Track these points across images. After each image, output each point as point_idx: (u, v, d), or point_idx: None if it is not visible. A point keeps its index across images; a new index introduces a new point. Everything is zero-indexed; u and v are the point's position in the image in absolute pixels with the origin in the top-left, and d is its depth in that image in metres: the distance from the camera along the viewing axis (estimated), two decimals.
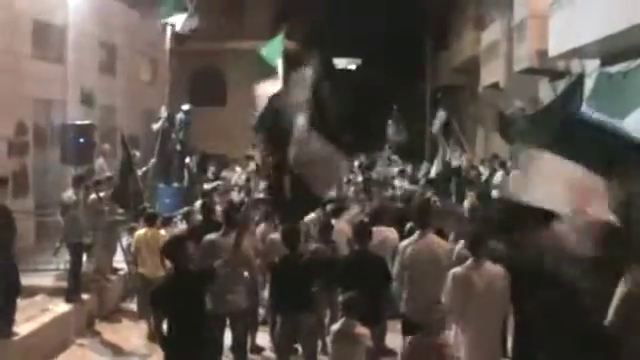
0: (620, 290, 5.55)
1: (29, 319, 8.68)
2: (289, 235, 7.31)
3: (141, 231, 9.63)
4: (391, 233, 8.71)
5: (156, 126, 15.26)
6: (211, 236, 7.47)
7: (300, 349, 7.43)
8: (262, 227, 9.45)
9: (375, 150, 20.91)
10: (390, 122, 19.83)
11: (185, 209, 10.02)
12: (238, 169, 18.12)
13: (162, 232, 9.68)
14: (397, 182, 16.10)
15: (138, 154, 14.77)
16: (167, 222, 10.22)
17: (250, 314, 8.08)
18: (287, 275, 6.99)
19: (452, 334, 6.22)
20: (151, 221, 9.74)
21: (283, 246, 7.40)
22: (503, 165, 15.33)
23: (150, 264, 9.22)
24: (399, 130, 20.10)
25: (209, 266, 6.76)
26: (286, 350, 7.14)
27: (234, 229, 7.33)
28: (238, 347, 7.36)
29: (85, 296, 9.92)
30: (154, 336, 9.08)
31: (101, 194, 11.11)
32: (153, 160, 14.36)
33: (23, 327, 8.34)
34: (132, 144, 16.85)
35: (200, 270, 6.55)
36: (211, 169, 16.50)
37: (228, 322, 7.31)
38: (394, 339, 7.70)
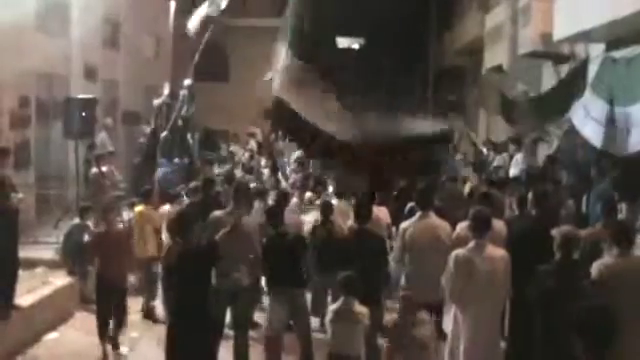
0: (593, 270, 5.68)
1: (30, 291, 8.74)
2: (271, 215, 7.41)
3: (139, 208, 9.65)
4: (381, 212, 8.74)
5: (157, 101, 15.25)
6: (217, 213, 7.53)
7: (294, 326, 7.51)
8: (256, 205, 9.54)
9: None
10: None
11: (193, 184, 10.05)
12: (236, 147, 18.07)
13: (167, 207, 9.73)
14: None
15: (149, 129, 14.83)
16: (174, 198, 10.20)
17: (251, 291, 8.13)
18: (274, 254, 7.07)
19: (451, 316, 6.25)
20: (147, 197, 9.80)
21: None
22: (505, 146, 15.33)
23: (151, 241, 9.25)
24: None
25: (213, 241, 6.84)
26: (278, 328, 7.17)
27: (240, 207, 7.42)
28: (239, 324, 7.37)
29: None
30: (150, 313, 9.23)
31: (103, 168, 11.15)
32: (165, 134, 14.28)
33: (24, 299, 8.41)
34: (134, 119, 16.91)
35: (206, 245, 6.62)
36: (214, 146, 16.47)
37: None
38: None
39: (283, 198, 9.38)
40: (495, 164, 14.87)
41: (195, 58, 14.54)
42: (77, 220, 10.02)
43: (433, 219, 7.21)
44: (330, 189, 11.17)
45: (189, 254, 6.25)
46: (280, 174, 13.93)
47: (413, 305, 6.05)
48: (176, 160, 14.75)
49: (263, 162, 15.57)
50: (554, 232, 6.36)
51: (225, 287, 7.07)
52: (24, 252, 8.69)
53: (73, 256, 9.67)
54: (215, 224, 7.35)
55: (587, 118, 9.88)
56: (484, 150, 16.70)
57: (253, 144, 18.52)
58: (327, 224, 8.34)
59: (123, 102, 16.99)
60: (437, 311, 6.77)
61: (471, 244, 6.12)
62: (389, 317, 6.55)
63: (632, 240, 5.97)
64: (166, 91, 15.23)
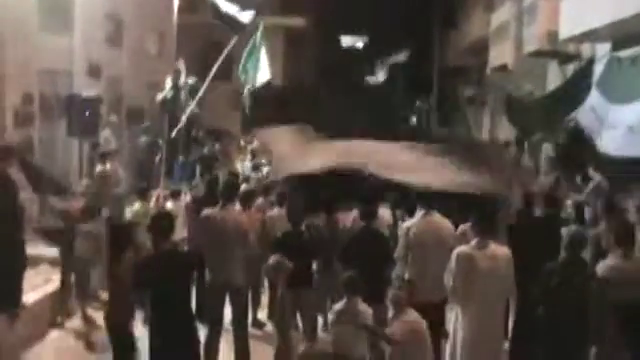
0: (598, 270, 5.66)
1: (34, 288, 8.73)
2: (294, 212, 7.37)
3: (135, 206, 9.56)
4: (383, 212, 8.71)
5: (160, 96, 15.27)
6: (208, 211, 7.32)
7: (300, 325, 7.49)
8: (259, 202, 9.51)
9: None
10: None
11: (195, 182, 10.05)
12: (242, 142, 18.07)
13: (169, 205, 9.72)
14: None
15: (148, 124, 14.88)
16: (176, 195, 10.19)
17: (250, 289, 8.10)
18: (288, 251, 7.00)
19: (453, 315, 6.22)
20: (143, 195, 9.77)
21: (283, 222, 7.47)
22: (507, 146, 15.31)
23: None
24: None
25: (197, 249, 6.75)
26: (286, 325, 7.14)
27: (232, 204, 7.38)
28: (238, 322, 7.31)
29: None
30: None
31: (107, 166, 11.15)
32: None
33: (28, 296, 8.39)
34: (138, 116, 16.91)
35: (188, 252, 6.50)
36: (211, 145, 16.44)
37: (228, 297, 7.25)
38: None
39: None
40: None
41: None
42: None
43: (436, 218, 7.17)
44: None
45: (166, 261, 5.80)
46: None
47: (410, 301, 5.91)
48: (181, 158, 14.76)
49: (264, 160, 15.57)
50: (563, 231, 6.36)
51: (220, 284, 7.03)
52: (28, 249, 8.65)
53: None
54: (205, 222, 7.21)
55: (602, 126, 9.80)
56: None
57: (257, 143, 18.47)
58: (331, 223, 8.32)
59: (127, 99, 16.99)
60: (440, 310, 6.76)
61: (473, 242, 6.09)
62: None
63: (635, 241, 5.97)
64: (168, 85, 15.25)
